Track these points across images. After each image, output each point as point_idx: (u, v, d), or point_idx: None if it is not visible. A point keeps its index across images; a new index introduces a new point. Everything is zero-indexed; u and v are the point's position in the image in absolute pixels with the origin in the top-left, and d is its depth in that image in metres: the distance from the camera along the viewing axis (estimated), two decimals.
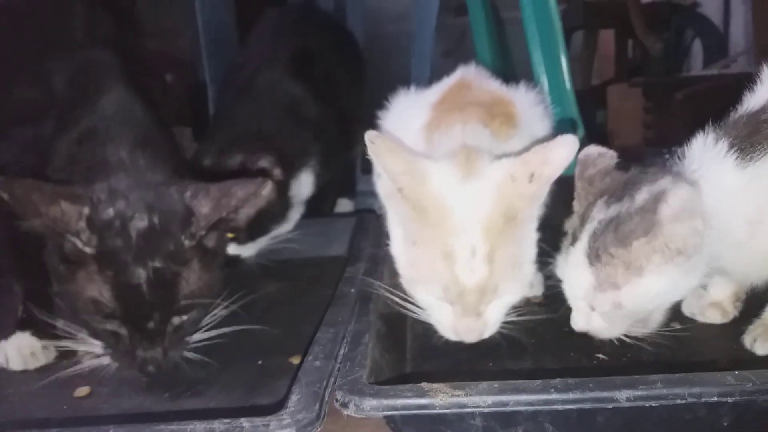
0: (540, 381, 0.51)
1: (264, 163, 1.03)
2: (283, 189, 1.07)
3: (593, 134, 2.90)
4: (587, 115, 3.08)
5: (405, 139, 0.88)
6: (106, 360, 0.76)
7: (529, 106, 0.91)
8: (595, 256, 0.68)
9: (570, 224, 0.76)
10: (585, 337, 0.76)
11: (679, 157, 0.74)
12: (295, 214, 1.14)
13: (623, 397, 0.50)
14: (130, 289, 0.68)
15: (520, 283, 0.72)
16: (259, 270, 1.11)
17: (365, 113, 1.14)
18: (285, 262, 1.13)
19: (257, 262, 1.11)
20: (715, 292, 0.80)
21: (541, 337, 0.77)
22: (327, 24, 1.41)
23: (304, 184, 1.17)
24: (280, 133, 1.12)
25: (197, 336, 0.76)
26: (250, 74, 1.17)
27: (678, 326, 0.76)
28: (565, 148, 0.68)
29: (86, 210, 0.68)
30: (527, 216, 0.70)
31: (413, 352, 0.77)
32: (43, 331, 0.81)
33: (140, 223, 0.70)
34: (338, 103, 1.25)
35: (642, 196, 0.67)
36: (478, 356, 0.74)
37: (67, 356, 0.81)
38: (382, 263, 0.88)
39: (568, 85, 1.57)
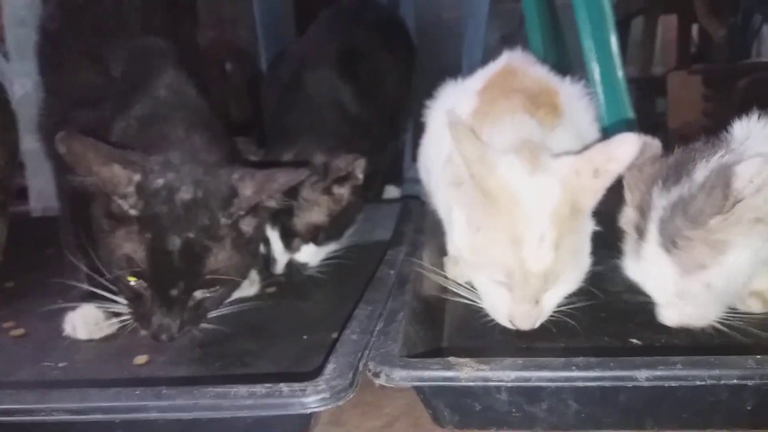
0: (563, 359, 0.54)
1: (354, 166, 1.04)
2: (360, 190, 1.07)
3: (653, 123, 2.85)
4: (646, 103, 3.02)
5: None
6: None
7: (574, 98, 0.93)
8: (671, 243, 0.67)
9: (626, 219, 0.75)
10: (619, 323, 0.78)
11: (721, 138, 0.74)
12: (359, 217, 1.14)
13: (643, 376, 0.51)
14: (163, 254, 0.72)
15: (578, 272, 0.75)
16: None
17: (417, 100, 1.17)
18: None
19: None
20: (758, 281, 0.80)
21: (577, 322, 0.79)
22: (377, 19, 1.42)
23: None
24: (339, 136, 1.12)
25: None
26: (301, 74, 1.19)
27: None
28: (628, 146, 0.72)
29: (137, 177, 0.73)
30: (588, 209, 0.73)
31: (450, 331, 0.80)
32: (107, 304, 0.88)
33: (185, 195, 0.74)
34: (385, 97, 1.27)
35: (701, 173, 0.68)
36: (513, 338, 0.77)
37: (128, 327, 0.88)
38: (421, 247, 0.92)
39: (620, 73, 1.55)
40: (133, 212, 0.73)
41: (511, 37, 2.32)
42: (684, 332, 0.72)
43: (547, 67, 0.97)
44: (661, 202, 0.69)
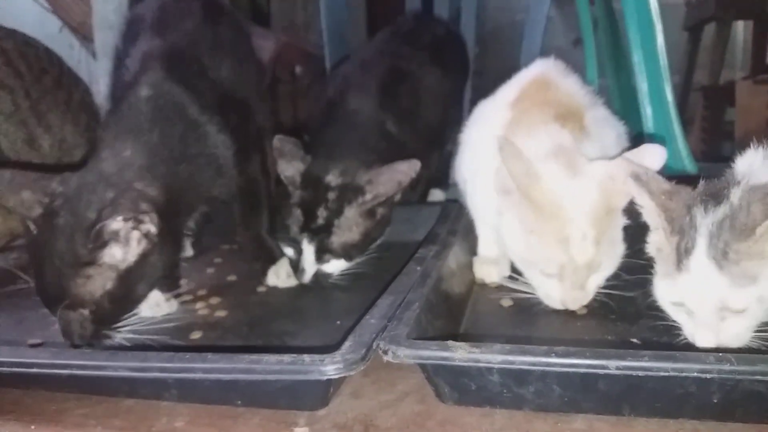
0: (545, 347, 0.61)
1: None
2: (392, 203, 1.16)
3: (721, 132, 2.80)
4: (715, 112, 2.97)
5: (487, 138, 0.99)
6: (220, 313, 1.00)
7: (599, 114, 0.99)
8: (722, 255, 0.69)
9: (656, 245, 0.78)
10: (624, 323, 0.85)
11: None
12: (388, 228, 1.21)
13: (613, 365, 0.58)
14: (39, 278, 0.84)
15: (615, 259, 0.87)
16: None
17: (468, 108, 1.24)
18: (378, 244, 1.29)
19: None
20: None
21: (584, 322, 0.87)
22: (431, 38, 1.49)
23: None
24: (379, 155, 1.16)
25: None
26: (346, 93, 1.26)
27: None
28: (656, 156, 0.82)
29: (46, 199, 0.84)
30: (620, 207, 0.84)
31: (468, 323, 0.89)
32: (168, 287, 1.01)
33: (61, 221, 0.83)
34: (430, 112, 1.35)
35: (736, 195, 0.72)
36: (527, 333, 0.85)
37: (186, 308, 1.01)
38: (451, 247, 1.00)
39: (667, 86, 1.57)
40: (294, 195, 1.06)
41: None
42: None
43: (578, 77, 1.04)
44: (707, 221, 0.71)
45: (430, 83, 1.37)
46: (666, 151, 0.83)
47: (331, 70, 1.81)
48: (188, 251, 1.21)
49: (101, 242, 0.81)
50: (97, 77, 2.44)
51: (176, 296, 1.03)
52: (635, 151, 0.84)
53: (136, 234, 0.83)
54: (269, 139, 1.13)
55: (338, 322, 0.91)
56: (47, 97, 1.27)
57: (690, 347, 0.72)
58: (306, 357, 0.64)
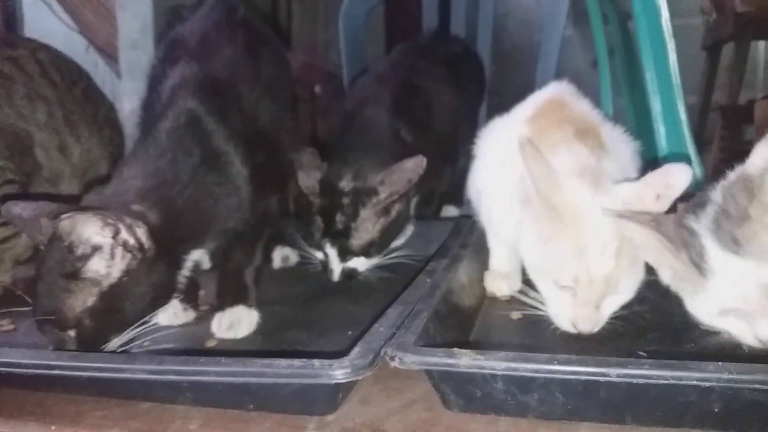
0: (548, 355, 0.63)
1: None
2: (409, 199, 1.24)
3: (740, 152, 2.79)
4: (734, 131, 2.96)
5: (501, 153, 1.01)
6: None
7: (614, 133, 1.00)
8: (733, 241, 0.71)
9: (669, 270, 0.81)
10: (633, 337, 0.87)
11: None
12: (409, 228, 1.30)
13: (614, 373, 0.60)
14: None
15: (635, 283, 0.85)
16: None
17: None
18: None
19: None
20: None
21: (592, 336, 0.88)
22: (446, 54, 1.54)
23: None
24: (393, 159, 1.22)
25: None
26: (363, 104, 1.33)
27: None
28: (683, 175, 0.82)
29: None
30: None
31: (477, 335, 0.91)
32: (186, 297, 1.03)
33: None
34: (443, 127, 1.39)
35: (717, 194, 0.76)
36: (535, 345, 0.86)
37: (204, 317, 1.04)
38: (459, 260, 1.02)
39: (680, 105, 1.59)
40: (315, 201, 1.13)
41: None
42: (696, 351, 0.79)
43: (589, 101, 1.06)
44: (702, 224, 0.75)
45: (444, 96, 1.41)
46: (690, 170, 0.83)
47: (349, 85, 1.87)
48: (206, 264, 1.24)
49: (83, 255, 0.81)
50: (121, 96, 2.51)
51: (194, 307, 1.06)
52: (663, 171, 0.84)
53: (119, 248, 0.82)
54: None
55: (349, 332, 0.93)
56: (77, 108, 1.32)
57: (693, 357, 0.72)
58: (316, 362, 0.66)
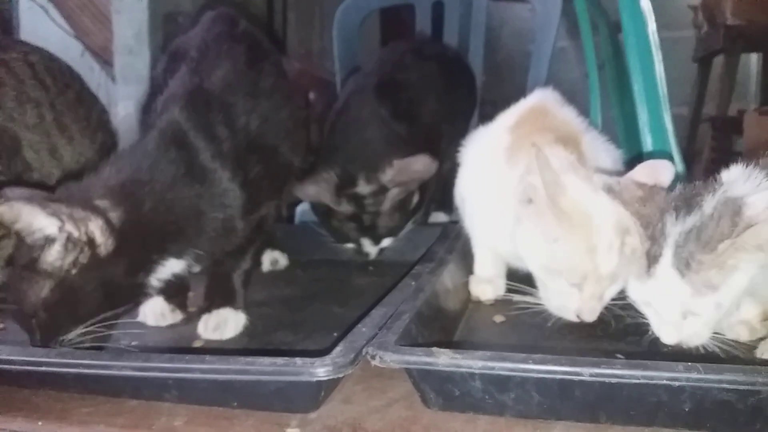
0: (523, 354, 0.64)
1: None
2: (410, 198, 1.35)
3: (729, 163, 2.82)
4: (724, 142, 2.99)
5: (485, 159, 1.03)
6: None
7: (596, 141, 1.03)
8: (685, 266, 0.75)
9: (631, 246, 0.84)
10: (611, 341, 0.89)
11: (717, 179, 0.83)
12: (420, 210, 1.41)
13: (587, 372, 0.61)
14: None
15: (627, 273, 0.87)
16: (356, 267, 1.33)
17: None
18: (379, 262, 1.36)
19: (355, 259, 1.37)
20: (745, 310, 0.87)
21: (571, 339, 0.90)
22: (432, 57, 1.58)
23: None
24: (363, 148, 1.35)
25: None
26: (354, 103, 1.39)
27: None
28: (667, 171, 0.87)
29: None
30: None
31: (460, 336, 0.93)
32: (174, 298, 1.05)
33: None
34: (425, 123, 1.44)
35: (709, 205, 0.77)
36: (517, 347, 0.88)
37: (191, 318, 1.05)
38: (445, 264, 1.04)
39: (666, 116, 1.61)
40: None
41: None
42: (670, 355, 0.80)
43: (573, 109, 1.08)
44: (675, 229, 0.77)
45: (430, 95, 1.48)
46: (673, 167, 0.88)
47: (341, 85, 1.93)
48: (195, 267, 1.26)
49: (35, 246, 0.80)
50: (116, 100, 2.52)
51: (182, 308, 1.07)
52: (645, 167, 0.88)
53: (68, 238, 0.81)
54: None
55: (335, 334, 0.94)
56: (69, 112, 1.33)
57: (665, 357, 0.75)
58: (298, 360, 0.67)
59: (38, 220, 0.80)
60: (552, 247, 0.87)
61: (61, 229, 0.81)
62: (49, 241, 0.81)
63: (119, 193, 0.88)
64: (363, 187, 1.31)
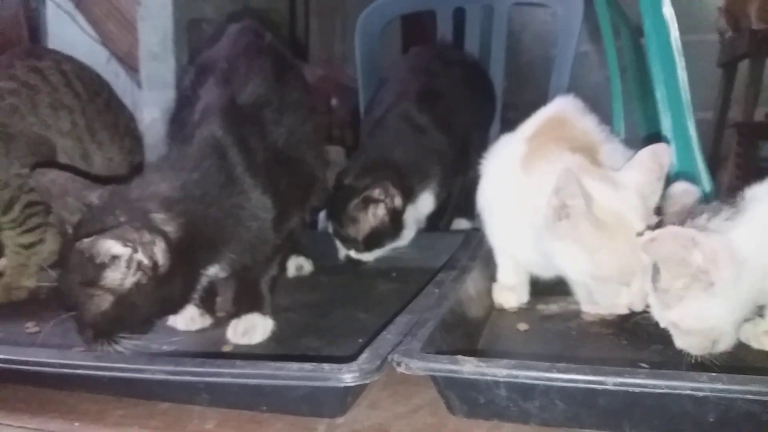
0: (548, 363, 0.65)
1: (378, 192, 1.30)
2: (397, 214, 1.33)
3: (755, 169, 2.79)
4: (749, 148, 2.96)
5: (503, 169, 1.04)
6: None
7: (615, 153, 1.03)
8: (653, 283, 0.82)
9: None
10: (635, 350, 0.89)
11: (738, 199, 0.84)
12: (409, 233, 1.38)
13: (611, 381, 0.62)
14: None
15: None
16: (379, 274, 1.35)
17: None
18: (402, 268, 1.38)
19: (378, 266, 1.38)
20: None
21: (596, 348, 0.91)
22: (456, 63, 1.59)
23: (424, 204, 1.40)
24: (406, 161, 1.36)
25: None
26: (385, 107, 1.40)
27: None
28: (665, 155, 0.92)
29: None
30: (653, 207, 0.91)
31: (484, 344, 0.94)
32: (203, 303, 1.06)
33: None
34: (458, 131, 1.44)
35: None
36: (540, 355, 0.89)
37: (220, 323, 1.07)
38: (468, 272, 1.05)
39: (690, 123, 1.60)
40: None
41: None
42: (698, 364, 0.80)
43: (595, 116, 1.08)
44: None
45: (460, 101, 1.50)
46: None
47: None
48: (223, 273, 1.28)
49: (102, 264, 0.83)
50: (142, 106, 2.57)
51: (211, 313, 1.09)
52: (644, 152, 0.91)
53: (134, 264, 0.84)
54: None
55: (360, 340, 0.96)
56: (99, 118, 1.37)
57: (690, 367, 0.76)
58: (326, 366, 0.69)
59: (109, 245, 0.82)
60: (598, 257, 0.88)
61: (131, 255, 0.83)
62: (114, 261, 0.83)
63: (174, 206, 0.89)
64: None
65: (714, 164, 2.68)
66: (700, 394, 0.60)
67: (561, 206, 0.87)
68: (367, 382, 0.69)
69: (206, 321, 1.07)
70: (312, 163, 1.18)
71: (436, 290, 0.96)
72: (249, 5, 3.10)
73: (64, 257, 0.89)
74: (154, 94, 2.68)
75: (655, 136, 1.49)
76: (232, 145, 0.98)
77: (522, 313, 1.05)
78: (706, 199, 1.60)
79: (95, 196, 0.90)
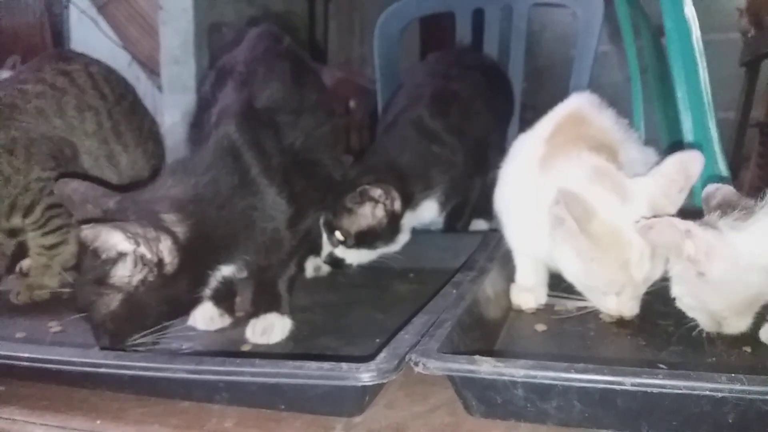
0: (566, 363, 0.65)
1: (378, 193, 1.29)
2: (395, 218, 1.32)
3: None
4: None
5: (521, 169, 1.04)
6: None
7: (633, 150, 1.02)
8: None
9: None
10: (653, 349, 0.88)
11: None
12: (404, 238, 1.37)
13: (629, 382, 0.62)
14: None
15: (662, 268, 0.91)
16: (397, 274, 1.35)
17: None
18: (419, 269, 1.37)
19: (396, 267, 1.37)
20: None
21: (615, 347, 0.90)
22: (474, 67, 1.59)
23: (425, 212, 1.41)
24: (412, 167, 1.36)
25: None
26: (398, 111, 1.40)
27: (749, 350, 0.85)
28: (698, 164, 0.89)
29: None
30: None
31: (502, 345, 0.94)
32: (223, 303, 1.08)
33: None
34: (474, 135, 1.43)
35: None
36: (558, 356, 0.89)
37: (239, 322, 1.08)
38: (485, 272, 1.05)
39: (711, 123, 1.59)
40: None
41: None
42: (717, 364, 0.81)
43: (613, 112, 1.07)
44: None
45: (477, 105, 1.49)
46: (702, 155, 0.90)
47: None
48: (241, 273, 1.29)
49: (108, 260, 0.84)
50: (162, 109, 2.60)
51: (230, 312, 1.10)
52: (674, 162, 0.90)
53: (140, 260, 0.85)
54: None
55: (377, 340, 0.96)
56: (125, 120, 1.39)
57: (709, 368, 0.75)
58: (344, 365, 0.69)
59: (114, 240, 0.84)
60: (588, 266, 0.90)
61: (135, 250, 0.85)
62: (121, 257, 0.85)
63: (185, 207, 0.91)
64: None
65: (736, 164, 2.65)
66: (719, 395, 0.60)
67: (557, 218, 0.89)
68: (384, 381, 0.69)
69: (225, 321, 1.08)
70: (329, 165, 1.19)
71: (454, 291, 0.96)
72: (269, 9, 3.13)
73: (79, 260, 0.91)
74: (174, 97, 2.71)
75: (679, 144, 1.48)
76: (247, 146, 0.99)
77: (540, 313, 1.05)
78: None
79: (113, 202, 0.92)
